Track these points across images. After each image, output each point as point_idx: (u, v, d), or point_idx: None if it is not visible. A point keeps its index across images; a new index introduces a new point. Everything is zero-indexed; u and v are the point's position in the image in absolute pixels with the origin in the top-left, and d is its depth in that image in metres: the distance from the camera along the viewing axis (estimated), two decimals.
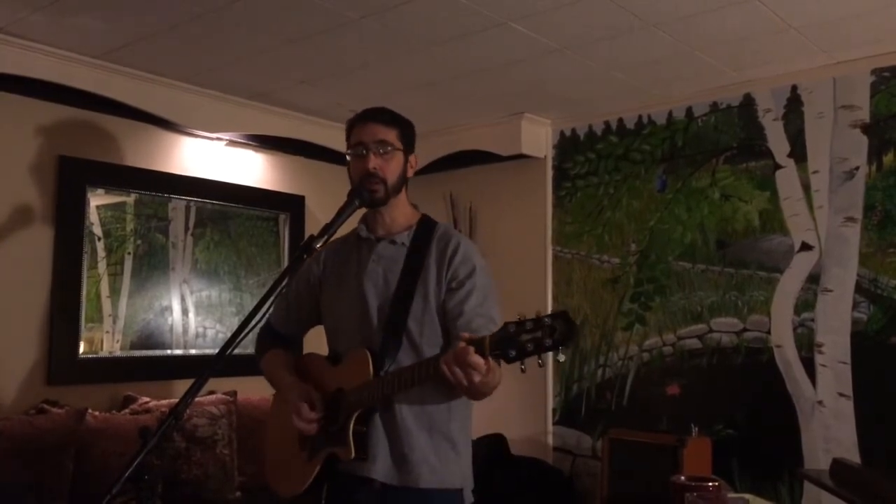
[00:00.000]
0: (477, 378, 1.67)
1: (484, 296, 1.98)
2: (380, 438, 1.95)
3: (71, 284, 3.57)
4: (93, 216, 3.72)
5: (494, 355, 1.64)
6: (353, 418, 1.91)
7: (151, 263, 3.97)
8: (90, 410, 3.30)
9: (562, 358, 1.59)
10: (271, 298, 1.82)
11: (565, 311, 1.59)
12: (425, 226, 2.10)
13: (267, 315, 2.04)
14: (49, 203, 3.52)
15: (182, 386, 3.71)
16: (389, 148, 2.02)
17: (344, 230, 2.08)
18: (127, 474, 1.49)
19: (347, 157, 2.07)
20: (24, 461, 2.97)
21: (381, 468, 1.94)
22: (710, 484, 2.70)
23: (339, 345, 2.09)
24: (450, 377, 1.69)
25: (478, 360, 1.64)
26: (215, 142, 4.22)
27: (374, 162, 2.00)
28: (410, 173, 2.10)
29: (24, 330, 3.42)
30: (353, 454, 1.90)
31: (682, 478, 2.87)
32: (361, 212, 2.08)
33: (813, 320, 3.53)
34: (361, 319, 2.02)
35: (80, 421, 3.19)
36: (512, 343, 1.60)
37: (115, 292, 3.81)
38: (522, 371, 1.67)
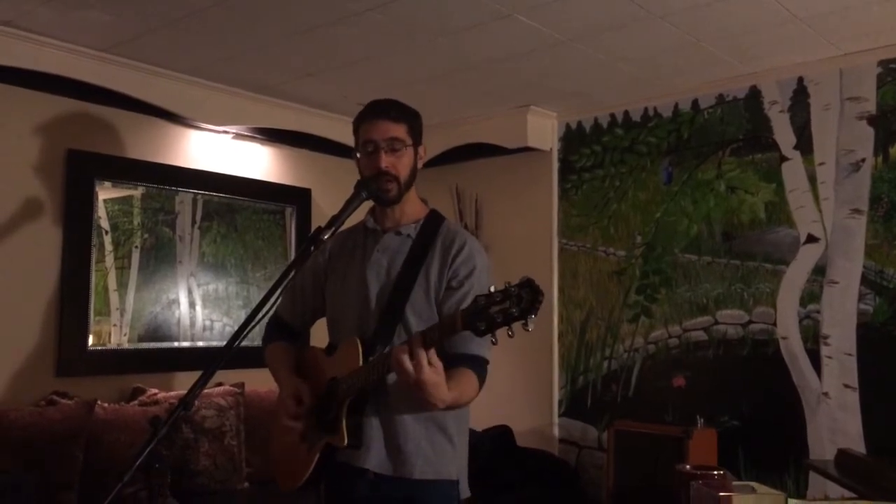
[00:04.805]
0: (423, 373, 1.68)
1: None
2: (375, 429, 1.95)
3: (79, 278, 3.58)
4: (100, 210, 3.74)
5: (465, 326, 1.63)
6: (346, 406, 1.92)
7: (159, 257, 3.99)
8: (99, 402, 3.32)
9: (531, 327, 1.56)
10: (278, 291, 1.82)
11: (531, 279, 1.56)
12: (433, 220, 2.10)
13: (275, 307, 2.05)
14: (57, 196, 3.54)
15: (189, 378, 3.67)
16: (401, 145, 2.01)
17: (351, 222, 2.09)
18: (138, 462, 1.51)
19: (357, 155, 2.06)
20: (33, 452, 2.99)
21: (375, 458, 1.94)
22: (716, 472, 2.71)
23: (338, 334, 2.10)
24: (395, 365, 1.71)
25: (406, 357, 1.68)
26: (222, 135, 4.23)
27: (386, 161, 1.99)
28: (420, 165, 2.10)
29: (33, 322, 3.44)
30: (345, 441, 1.90)
31: (688, 466, 2.88)
32: (369, 204, 2.08)
33: (819, 312, 3.53)
34: (361, 308, 2.03)
35: (89, 412, 3.22)
36: (481, 316, 1.59)
37: (122, 285, 3.84)
38: (493, 343, 1.66)
